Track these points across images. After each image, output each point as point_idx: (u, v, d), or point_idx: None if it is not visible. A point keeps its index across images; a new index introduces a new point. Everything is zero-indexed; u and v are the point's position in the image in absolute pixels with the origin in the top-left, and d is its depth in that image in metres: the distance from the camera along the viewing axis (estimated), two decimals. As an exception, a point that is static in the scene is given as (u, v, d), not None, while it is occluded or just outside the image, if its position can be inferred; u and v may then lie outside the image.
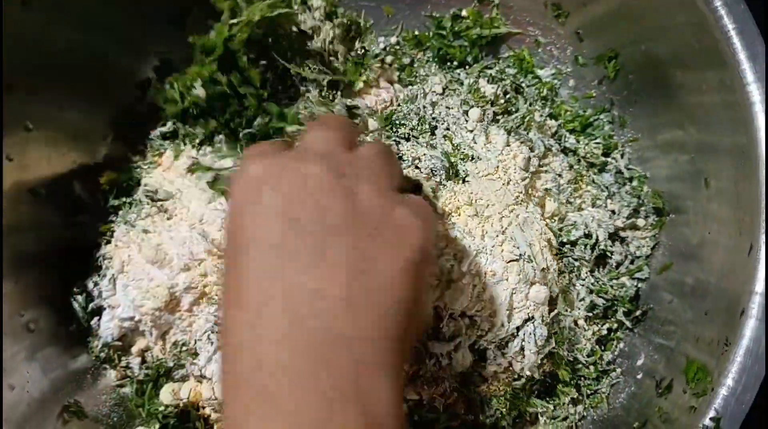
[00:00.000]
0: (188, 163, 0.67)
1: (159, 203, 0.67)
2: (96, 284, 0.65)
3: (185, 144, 0.68)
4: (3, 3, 0.56)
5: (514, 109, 0.69)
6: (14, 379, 0.57)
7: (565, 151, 0.70)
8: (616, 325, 0.66)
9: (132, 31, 0.69)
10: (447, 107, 0.67)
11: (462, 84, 0.71)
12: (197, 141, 0.67)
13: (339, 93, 0.68)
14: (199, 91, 0.62)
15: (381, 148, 0.49)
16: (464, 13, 0.76)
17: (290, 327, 0.37)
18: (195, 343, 0.63)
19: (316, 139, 0.47)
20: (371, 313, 0.38)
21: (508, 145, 0.65)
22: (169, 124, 0.69)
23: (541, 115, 0.70)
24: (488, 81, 0.71)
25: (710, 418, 0.49)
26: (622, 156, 0.70)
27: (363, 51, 0.71)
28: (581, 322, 0.65)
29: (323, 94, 0.67)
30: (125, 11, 0.67)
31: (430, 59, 0.75)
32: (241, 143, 0.65)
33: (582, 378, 0.65)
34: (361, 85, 0.68)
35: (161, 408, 0.63)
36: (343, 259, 0.39)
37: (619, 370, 0.65)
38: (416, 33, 0.77)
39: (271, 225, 0.40)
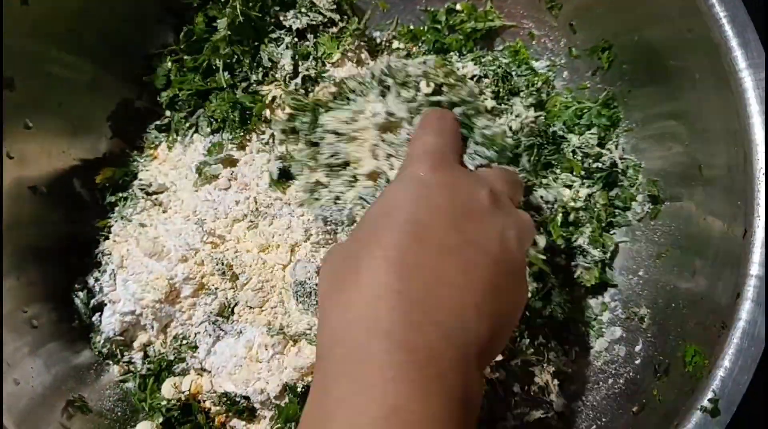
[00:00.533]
0: (181, 154, 0.68)
1: (153, 197, 0.67)
2: (97, 280, 0.66)
3: (177, 134, 0.70)
4: (3, 3, 0.56)
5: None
6: (18, 374, 0.57)
7: (557, 141, 0.71)
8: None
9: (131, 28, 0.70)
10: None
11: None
12: (187, 125, 0.70)
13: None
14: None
15: (518, 184, 0.55)
16: (458, 6, 0.76)
17: (425, 299, 0.39)
18: (195, 336, 0.64)
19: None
20: (485, 326, 0.40)
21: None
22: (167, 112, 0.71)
23: (528, 107, 0.71)
24: (475, 63, 0.72)
25: (708, 399, 0.50)
26: (616, 147, 0.71)
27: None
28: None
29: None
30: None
31: (426, 53, 0.76)
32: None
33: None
34: (338, 56, 0.70)
35: (163, 402, 0.63)
36: (485, 277, 0.42)
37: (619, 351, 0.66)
38: (411, 27, 0.77)
39: (438, 216, 0.43)
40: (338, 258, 0.45)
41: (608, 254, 0.69)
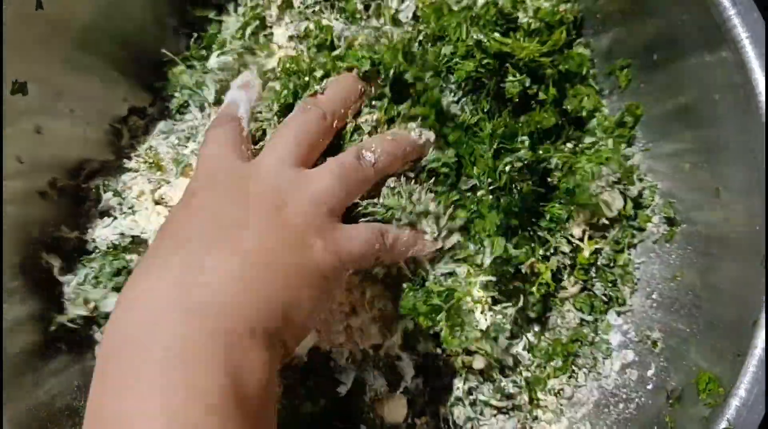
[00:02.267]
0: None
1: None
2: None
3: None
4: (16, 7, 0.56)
5: None
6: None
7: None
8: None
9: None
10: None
11: None
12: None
13: None
14: None
15: (346, 168, 0.53)
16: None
17: (175, 287, 0.41)
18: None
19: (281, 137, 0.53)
20: (257, 296, 0.42)
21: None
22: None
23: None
24: None
25: (723, 429, 0.49)
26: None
27: None
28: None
29: None
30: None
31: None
32: None
33: None
34: None
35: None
36: (246, 249, 0.44)
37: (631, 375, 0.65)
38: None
39: (203, 206, 0.47)
40: None
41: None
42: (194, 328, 0.39)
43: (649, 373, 0.63)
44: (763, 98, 0.52)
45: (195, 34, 0.72)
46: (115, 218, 0.66)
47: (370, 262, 0.54)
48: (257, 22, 0.70)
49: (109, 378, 0.39)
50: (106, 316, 0.63)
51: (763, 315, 0.50)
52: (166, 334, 0.38)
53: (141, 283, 0.43)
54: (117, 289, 0.63)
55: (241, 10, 0.71)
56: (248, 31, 0.70)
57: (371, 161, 0.53)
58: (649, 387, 0.62)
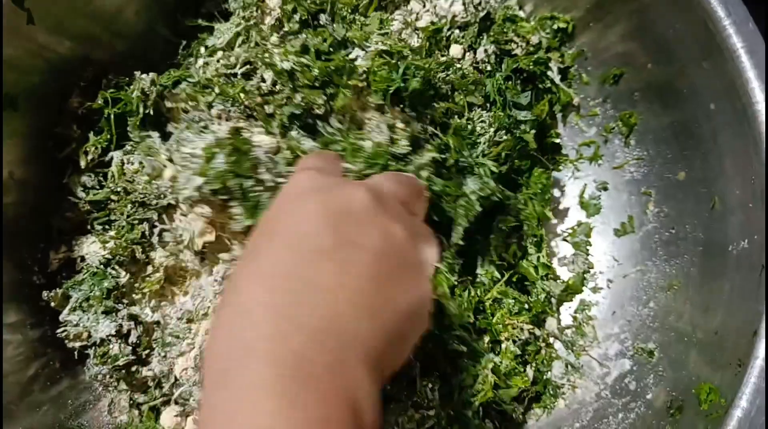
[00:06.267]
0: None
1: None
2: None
3: None
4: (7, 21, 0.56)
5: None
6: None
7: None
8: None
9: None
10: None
11: None
12: None
13: None
14: None
15: (415, 189, 0.53)
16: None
17: (292, 306, 0.38)
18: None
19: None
20: (369, 325, 0.39)
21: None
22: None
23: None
24: None
25: (725, 441, 0.48)
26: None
27: None
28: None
29: None
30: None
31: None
32: None
33: None
34: None
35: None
36: (364, 274, 0.40)
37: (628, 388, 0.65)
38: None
39: (310, 222, 0.42)
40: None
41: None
42: (312, 355, 0.36)
43: (648, 382, 0.62)
44: (759, 107, 0.52)
45: (184, 42, 0.72)
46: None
47: None
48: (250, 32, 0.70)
49: (219, 413, 0.35)
50: (100, 342, 0.61)
51: (763, 325, 0.50)
52: (278, 362, 0.35)
53: (246, 298, 0.39)
54: (107, 312, 0.61)
55: (234, 20, 0.70)
56: (239, 41, 0.70)
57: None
58: (649, 396, 0.62)
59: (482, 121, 0.65)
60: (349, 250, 0.41)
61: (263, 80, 0.62)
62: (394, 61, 0.61)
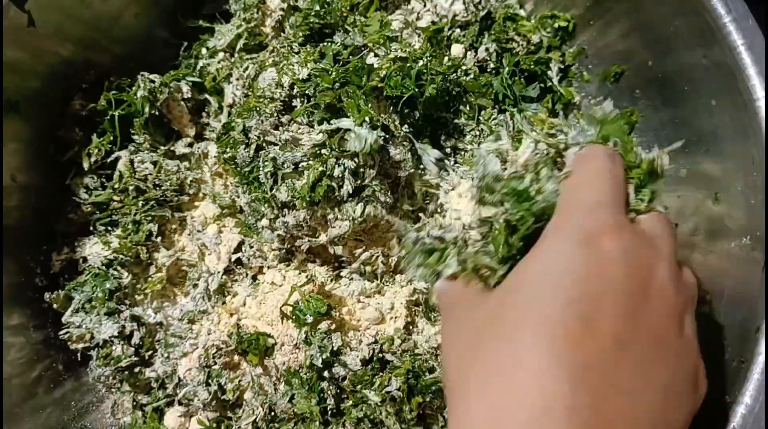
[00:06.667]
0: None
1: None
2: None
3: None
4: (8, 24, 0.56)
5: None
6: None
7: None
8: None
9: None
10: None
11: None
12: None
13: None
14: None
15: (670, 231, 0.43)
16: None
17: (593, 412, 0.31)
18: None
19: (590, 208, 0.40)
20: None
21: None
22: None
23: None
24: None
25: (729, 437, 0.48)
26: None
27: None
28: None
29: None
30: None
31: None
32: None
33: None
34: None
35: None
36: (664, 383, 0.35)
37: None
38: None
39: (613, 294, 0.35)
40: (479, 321, 0.37)
41: None
42: None
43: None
44: (760, 104, 0.52)
45: (185, 43, 0.72)
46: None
47: None
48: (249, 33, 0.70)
49: None
50: (103, 344, 0.62)
51: (764, 322, 0.50)
52: None
53: (545, 384, 0.32)
54: (109, 314, 0.61)
55: (235, 21, 0.70)
56: (240, 43, 0.70)
57: None
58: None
59: (498, 124, 0.65)
60: (646, 344, 0.35)
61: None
62: (408, 64, 0.60)
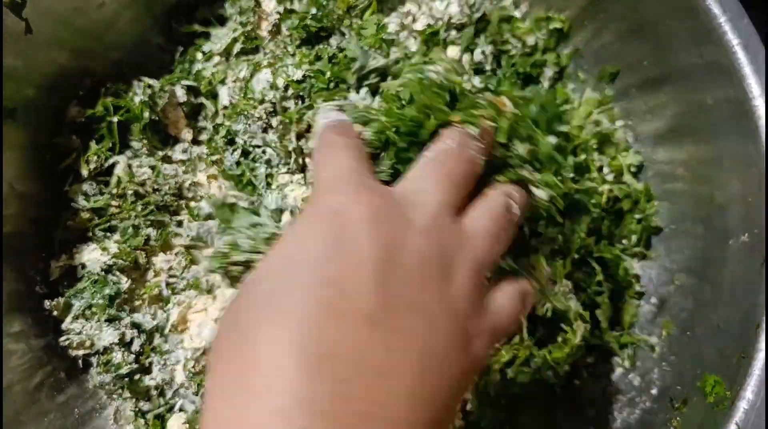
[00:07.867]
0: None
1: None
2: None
3: None
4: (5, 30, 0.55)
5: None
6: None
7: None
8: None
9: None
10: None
11: None
12: None
13: None
14: None
15: (500, 223, 0.41)
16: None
17: (322, 417, 0.30)
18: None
19: (425, 181, 0.39)
20: (426, 415, 0.33)
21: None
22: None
23: None
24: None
25: (731, 432, 0.49)
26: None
27: None
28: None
29: None
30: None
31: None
32: None
33: None
34: None
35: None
36: (419, 343, 0.33)
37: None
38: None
39: (354, 269, 0.33)
40: (231, 323, 0.35)
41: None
42: None
43: (653, 376, 0.63)
44: (757, 102, 0.53)
45: (181, 48, 0.72)
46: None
47: None
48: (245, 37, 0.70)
49: None
50: (103, 351, 0.61)
51: (764, 318, 0.51)
52: None
53: (275, 383, 0.30)
54: (110, 320, 0.61)
55: (231, 25, 0.70)
56: (237, 47, 0.70)
57: (517, 216, 0.42)
58: (653, 391, 0.62)
59: None
60: (401, 314, 0.33)
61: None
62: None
